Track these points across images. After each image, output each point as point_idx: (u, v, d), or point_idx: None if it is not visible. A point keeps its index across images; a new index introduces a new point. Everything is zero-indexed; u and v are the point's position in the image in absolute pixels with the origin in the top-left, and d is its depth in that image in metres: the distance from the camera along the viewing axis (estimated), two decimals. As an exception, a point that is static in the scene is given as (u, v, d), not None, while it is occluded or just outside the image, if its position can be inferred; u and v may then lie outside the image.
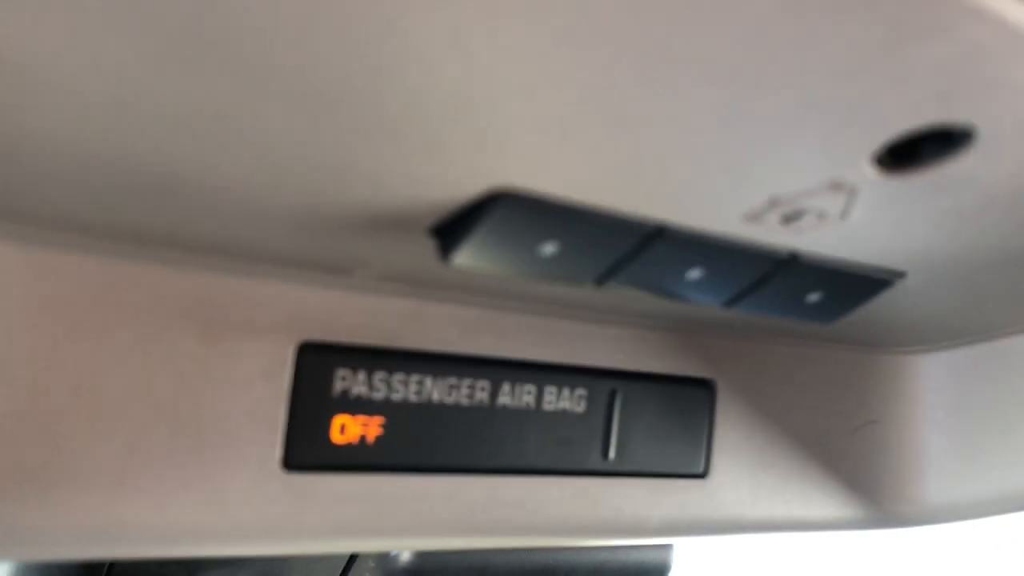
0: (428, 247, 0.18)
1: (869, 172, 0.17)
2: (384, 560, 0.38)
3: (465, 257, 0.18)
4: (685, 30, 0.12)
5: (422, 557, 0.38)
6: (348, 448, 0.21)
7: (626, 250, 0.19)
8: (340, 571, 0.37)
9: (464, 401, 0.23)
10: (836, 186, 0.18)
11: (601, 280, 0.20)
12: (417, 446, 0.22)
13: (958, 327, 0.30)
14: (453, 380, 0.23)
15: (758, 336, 0.29)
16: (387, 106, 0.13)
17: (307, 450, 0.21)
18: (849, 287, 0.23)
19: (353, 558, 0.37)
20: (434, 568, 0.37)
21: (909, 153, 0.17)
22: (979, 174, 0.18)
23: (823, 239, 0.20)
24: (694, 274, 0.21)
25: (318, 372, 0.21)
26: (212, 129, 0.14)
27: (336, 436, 0.21)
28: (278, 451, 0.21)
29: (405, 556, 0.38)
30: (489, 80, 0.13)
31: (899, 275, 0.23)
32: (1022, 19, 0.13)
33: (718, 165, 0.17)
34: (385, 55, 0.12)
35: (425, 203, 0.17)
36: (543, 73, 0.13)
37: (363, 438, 0.21)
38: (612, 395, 0.25)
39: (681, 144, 0.16)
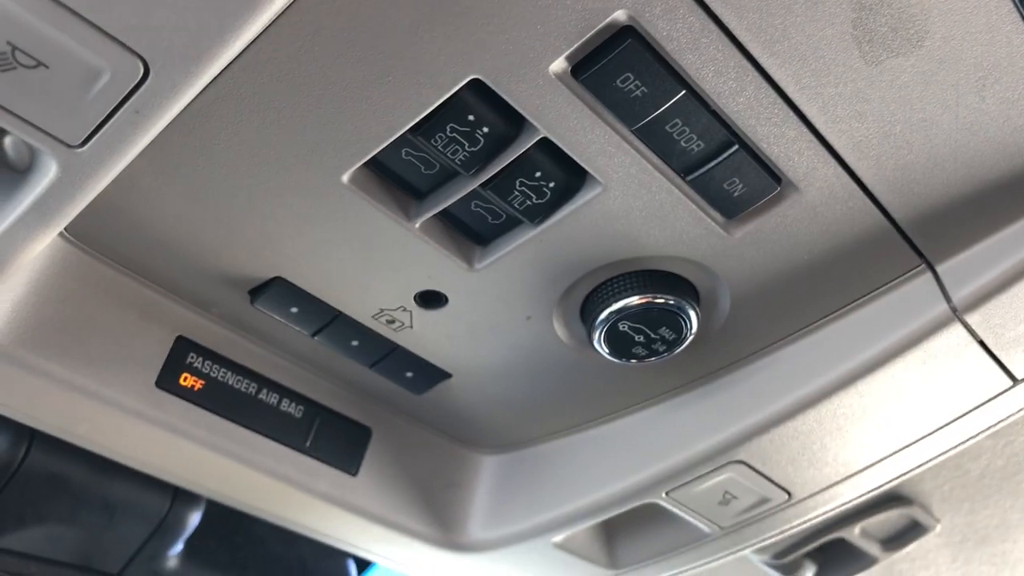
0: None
1: (413, 307, 0.47)
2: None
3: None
4: None
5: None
6: (185, 389, 0.47)
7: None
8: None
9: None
10: (402, 309, 0.47)
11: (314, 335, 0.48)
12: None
13: (505, 432, 0.58)
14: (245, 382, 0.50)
15: (391, 409, 0.56)
16: None
17: (167, 382, 0.47)
18: (426, 373, 0.52)
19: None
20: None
21: (428, 300, 0.47)
22: (462, 319, 0.48)
23: (408, 339, 0.49)
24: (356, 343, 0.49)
25: (181, 348, 0.47)
26: None
27: (181, 381, 0.47)
28: (155, 376, 0.46)
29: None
30: None
31: (447, 375, 0.53)
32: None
33: (388, 279, 0.46)
34: None
35: None
36: None
37: (192, 387, 0.48)
38: (315, 415, 0.52)
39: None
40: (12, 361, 0.42)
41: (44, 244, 0.37)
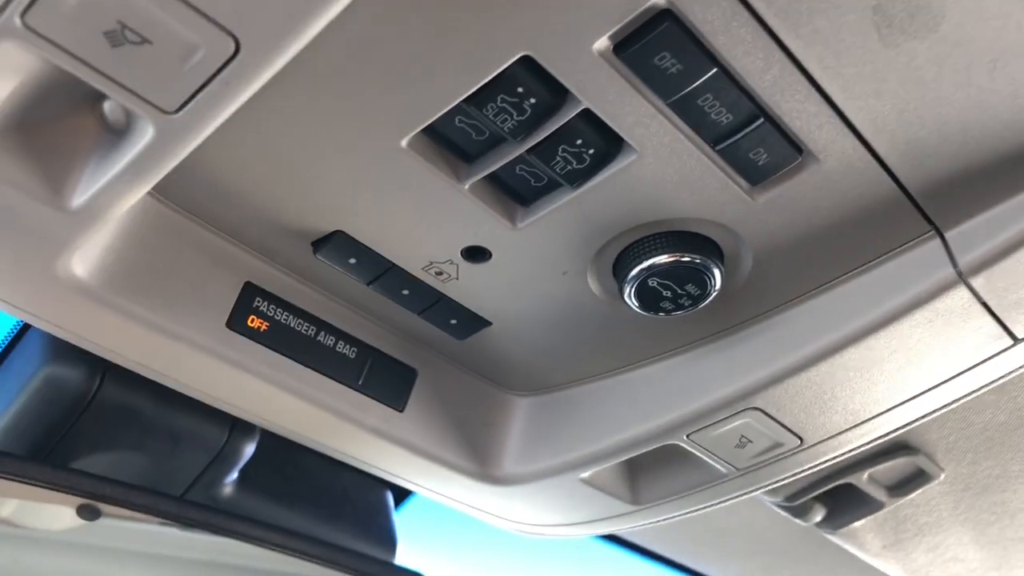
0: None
1: (460, 261, 0.51)
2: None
3: None
4: None
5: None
6: (252, 329, 0.52)
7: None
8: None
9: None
10: (449, 263, 0.51)
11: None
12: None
13: (539, 376, 0.62)
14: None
15: (435, 353, 0.61)
16: None
17: (237, 323, 0.51)
18: (468, 321, 0.56)
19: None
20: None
21: (474, 255, 0.51)
22: (504, 272, 0.52)
23: (453, 290, 0.54)
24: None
25: (249, 293, 0.52)
26: None
27: (248, 322, 0.52)
28: (225, 318, 0.51)
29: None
30: None
31: (488, 323, 0.57)
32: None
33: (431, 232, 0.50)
34: None
35: None
36: None
37: (259, 328, 0.52)
38: (367, 356, 0.57)
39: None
40: (99, 301, 0.47)
41: (136, 199, 0.41)
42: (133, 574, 0.70)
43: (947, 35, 0.39)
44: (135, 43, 0.35)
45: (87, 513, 0.60)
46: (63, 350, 0.61)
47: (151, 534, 0.65)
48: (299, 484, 0.75)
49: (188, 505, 0.63)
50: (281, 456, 0.74)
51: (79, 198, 0.41)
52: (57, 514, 0.62)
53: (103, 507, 0.60)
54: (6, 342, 0.65)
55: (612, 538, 1.09)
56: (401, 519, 0.85)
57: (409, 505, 0.92)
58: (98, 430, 0.63)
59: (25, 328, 0.64)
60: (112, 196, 0.41)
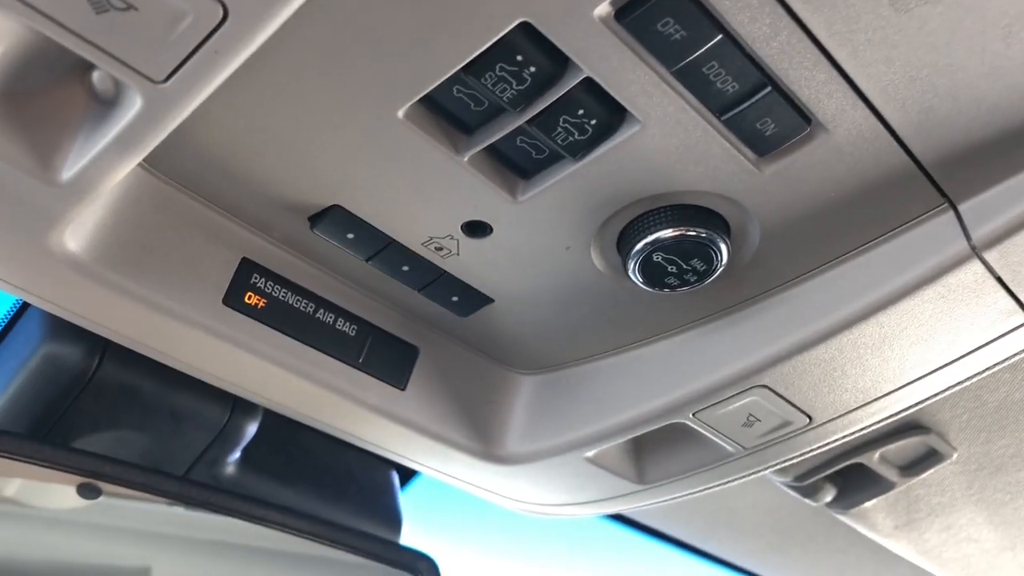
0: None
1: (460, 236, 0.50)
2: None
3: None
4: None
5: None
6: (249, 306, 0.51)
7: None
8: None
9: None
10: (450, 238, 0.50)
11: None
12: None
13: (543, 354, 0.61)
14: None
15: (437, 330, 0.60)
16: None
17: (233, 300, 0.51)
18: (470, 298, 0.55)
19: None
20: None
21: (474, 229, 0.50)
22: (505, 248, 0.51)
23: (454, 266, 0.53)
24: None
25: (246, 269, 0.51)
26: None
27: (245, 299, 0.51)
28: (222, 295, 0.50)
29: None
30: None
31: (490, 300, 0.56)
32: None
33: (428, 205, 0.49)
34: None
35: None
36: None
37: (256, 305, 0.52)
38: (367, 334, 0.56)
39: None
40: (93, 277, 0.46)
41: (126, 171, 0.40)
42: (137, 552, 0.70)
43: None
44: (120, 9, 0.34)
45: (87, 492, 0.60)
46: (62, 328, 0.60)
47: (158, 513, 0.65)
48: (303, 463, 0.75)
49: (190, 484, 0.63)
50: (284, 435, 0.73)
51: (69, 171, 0.40)
52: (59, 493, 0.62)
53: (104, 486, 0.60)
54: (5, 320, 0.64)
55: (619, 517, 1.08)
56: (407, 498, 0.84)
57: (415, 484, 0.92)
58: (98, 409, 0.63)
59: (24, 306, 0.64)
60: (102, 168, 0.40)
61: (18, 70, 0.38)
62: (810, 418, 0.58)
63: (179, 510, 0.63)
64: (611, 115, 0.43)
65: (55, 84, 0.40)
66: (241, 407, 0.67)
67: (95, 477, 0.59)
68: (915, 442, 0.75)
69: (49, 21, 0.33)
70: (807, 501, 0.82)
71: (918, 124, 0.43)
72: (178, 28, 0.34)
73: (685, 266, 0.48)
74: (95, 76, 0.39)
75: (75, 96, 0.40)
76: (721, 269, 0.49)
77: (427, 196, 0.47)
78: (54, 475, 0.59)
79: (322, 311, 0.54)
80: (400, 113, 0.42)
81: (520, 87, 0.41)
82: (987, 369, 0.55)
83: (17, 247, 0.44)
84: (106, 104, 0.39)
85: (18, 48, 0.37)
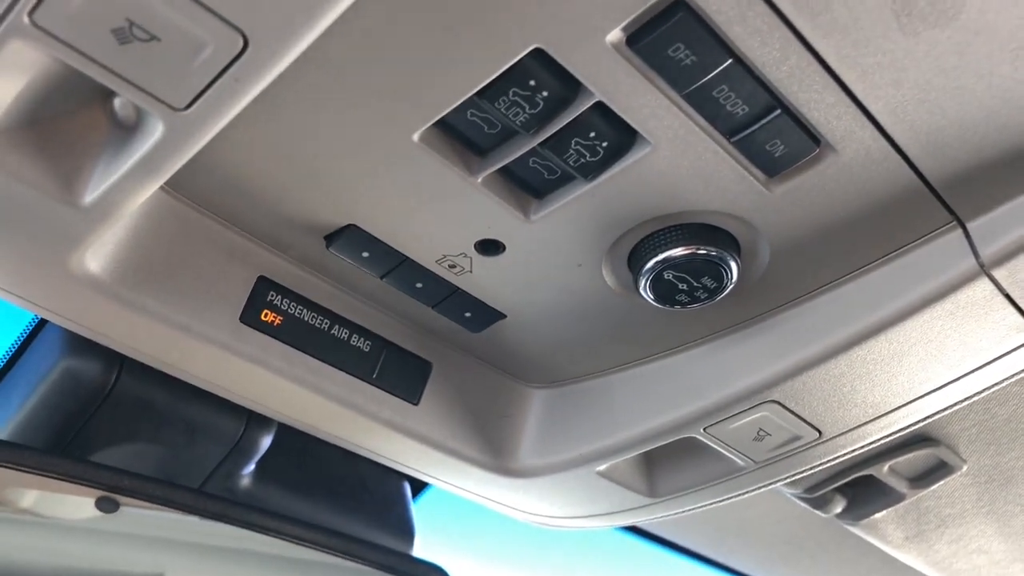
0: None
1: (474, 254, 0.51)
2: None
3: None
4: None
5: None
6: (266, 324, 0.52)
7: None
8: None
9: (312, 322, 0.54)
10: (463, 256, 0.51)
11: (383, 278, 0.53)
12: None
13: (555, 369, 0.62)
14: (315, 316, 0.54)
15: (450, 345, 0.61)
16: None
17: (250, 317, 0.51)
18: (483, 314, 0.56)
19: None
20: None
21: (487, 248, 0.50)
22: (518, 265, 0.52)
23: (467, 283, 0.54)
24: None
25: (262, 287, 0.52)
26: None
27: (262, 317, 0.52)
28: (239, 312, 0.51)
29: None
30: None
31: (502, 316, 0.57)
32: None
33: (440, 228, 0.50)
34: None
35: None
36: None
37: (272, 322, 0.52)
38: (381, 349, 0.57)
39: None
40: (113, 296, 0.47)
41: (147, 195, 0.41)
42: (151, 559, 0.71)
43: (968, 23, 0.38)
44: (143, 40, 0.34)
45: (106, 505, 0.61)
46: (80, 343, 0.61)
47: (173, 522, 0.66)
48: (316, 475, 0.76)
49: (205, 497, 0.64)
50: (298, 447, 0.74)
51: (91, 195, 0.41)
52: (79, 505, 0.63)
53: (122, 499, 0.61)
54: (24, 336, 0.65)
55: (632, 528, 1.09)
56: (419, 509, 0.85)
57: (427, 495, 0.92)
58: (116, 422, 0.64)
59: (43, 322, 0.65)
60: (124, 192, 0.41)
61: (43, 98, 0.39)
62: (820, 432, 0.58)
63: (193, 518, 0.64)
64: (622, 137, 0.43)
65: (78, 110, 0.40)
66: (256, 420, 0.68)
67: (113, 491, 0.60)
68: (925, 454, 0.75)
69: (74, 52, 0.34)
70: (817, 512, 0.82)
71: (927, 144, 0.44)
72: (199, 57, 0.35)
73: (696, 284, 0.49)
74: (117, 103, 0.40)
75: (97, 122, 0.41)
76: (731, 287, 0.49)
77: (441, 216, 0.48)
78: (73, 488, 0.60)
79: (337, 327, 0.55)
80: (415, 136, 0.43)
81: (533, 111, 0.42)
82: (996, 384, 0.55)
83: (40, 268, 0.45)
84: (128, 130, 0.40)
85: (44, 77, 0.38)
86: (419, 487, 0.88)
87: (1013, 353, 0.53)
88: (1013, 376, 0.55)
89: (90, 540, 0.66)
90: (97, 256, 0.46)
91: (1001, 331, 0.51)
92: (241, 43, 0.34)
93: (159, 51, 0.35)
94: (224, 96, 0.36)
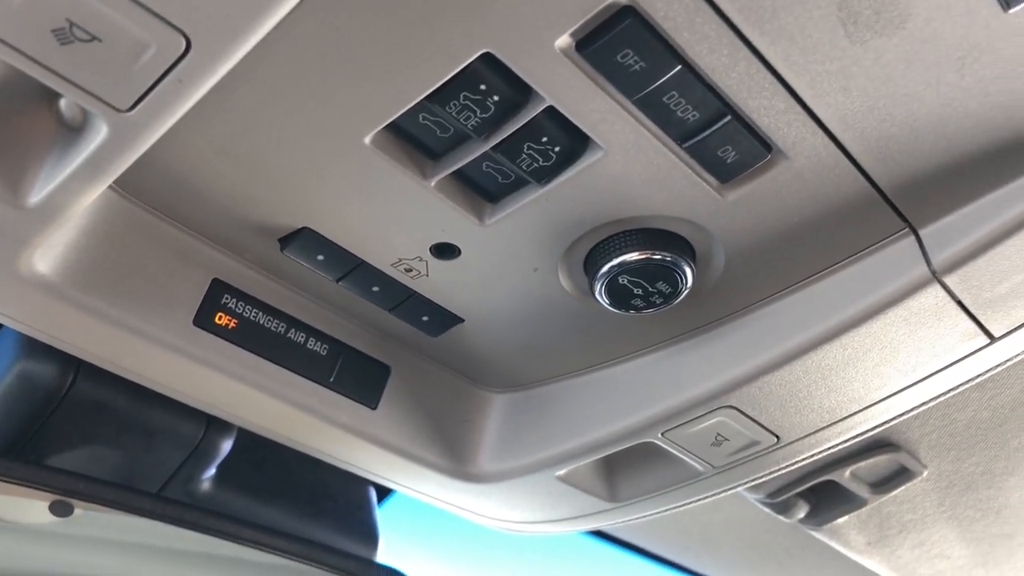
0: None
1: (429, 258, 0.51)
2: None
3: None
4: None
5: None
6: (220, 327, 0.52)
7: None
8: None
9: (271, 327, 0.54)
10: (419, 259, 0.51)
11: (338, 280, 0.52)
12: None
13: (514, 373, 0.62)
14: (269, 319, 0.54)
15: (409, 350, 0.61)
16: None
17: (204, 320, 0.51)
18: (440, 318, 0.56)
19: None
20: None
21: (443, 251, 0.50)
22: (474, 269, 0.52)
23: (424, 286, 0.53)
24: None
25: (216, 290, 0.52)
26: None
27: (216, 320, 0.52)
28: (192, 315, 0.51)
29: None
30: None
31: (460, 320, 0.57)
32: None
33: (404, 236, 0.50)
34: None
35: None
36: None
37: (227, 325, 0.52)
38: (338, 353, 0.57)
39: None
40: (64, 298, 0.47)
41: (95, 196, 0.41)
42: (118, 563, 0.70)
43: (914, 32, 0.39)
44: (84, 40, 0.34)
45: (60, 509, 0.60)
46: (36, 346, 0.60)
47: (135, 526, 0.65)
48: (279, 479, 0.75)
49: (163, 502, 0.63)
50: (260, 452, 0.74)
51: (36, 195, 0.41)
52: (32, 509, 0.62)
53: (77, 503, 0.60)
54: (-21, 338, 0.65)
55: (599, 533, 1.09)
56: (384, 513, 0.85)
57: (393, 500, 0.92)
58: (72, 426, 0.63)
59: (-1, 324, 0.64)
60: (69, 193, 0.41)
61: (-14, 98, 0.38)
62: (777, 437, 0.58)
63: (157, 524, 0.63)
64: (574, 142, 0.43)
65: (23, 110, 0.40)
66: (216, 424, 0.67)
67: (68, 495, 0.59)
68: (886, 460, 0.76)
69: (14, 52, 0.34)
70: (780, 517, 0.82)
71: (877, 151, 0.44)
72: (142, 59, 0.35)
73: (651, 289, 0.49)
74: (62, 103, 0.40)
75: (43, 122, 0.40)
76: (686, 292, 0.49)
77: (395, 219, 0.48)
78: (27, 492, 0.59)
79: (293, 331, 0.54)
80: (367, 139, 0.43)
81: (484, 115, 0.42)
82: (951, 390, 0.56)
83: (-13, 270, 0.44)
84: (74, 131, 0.40)
85: (-15, 77, 0.37)
86: (384, 492, 0.87)
87: (966, 359, 0.53)
88: (967, 382, 0.55)
89: (52, 545, 0.65)
90: (46, 258, 0.45)
91: (954, 337, 0.51)
92: (184, 44, 0.34)
93: (101, 52, 0.34)
94: (168, 97, 0.36)
